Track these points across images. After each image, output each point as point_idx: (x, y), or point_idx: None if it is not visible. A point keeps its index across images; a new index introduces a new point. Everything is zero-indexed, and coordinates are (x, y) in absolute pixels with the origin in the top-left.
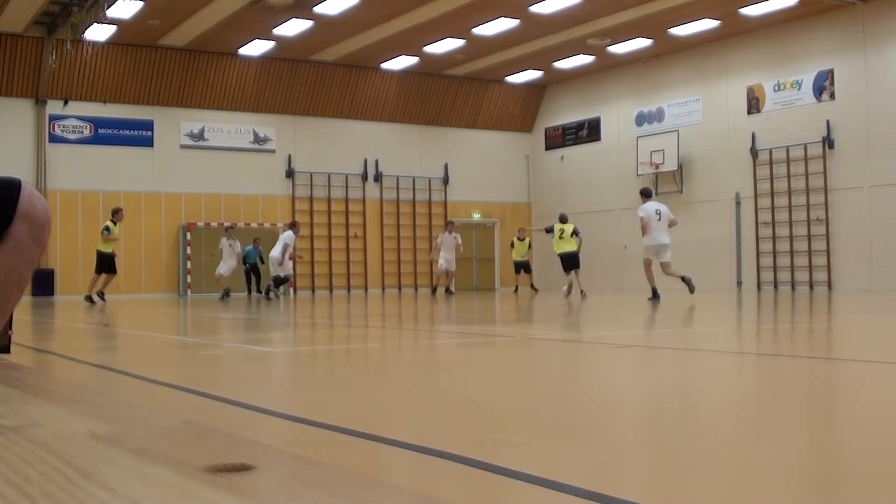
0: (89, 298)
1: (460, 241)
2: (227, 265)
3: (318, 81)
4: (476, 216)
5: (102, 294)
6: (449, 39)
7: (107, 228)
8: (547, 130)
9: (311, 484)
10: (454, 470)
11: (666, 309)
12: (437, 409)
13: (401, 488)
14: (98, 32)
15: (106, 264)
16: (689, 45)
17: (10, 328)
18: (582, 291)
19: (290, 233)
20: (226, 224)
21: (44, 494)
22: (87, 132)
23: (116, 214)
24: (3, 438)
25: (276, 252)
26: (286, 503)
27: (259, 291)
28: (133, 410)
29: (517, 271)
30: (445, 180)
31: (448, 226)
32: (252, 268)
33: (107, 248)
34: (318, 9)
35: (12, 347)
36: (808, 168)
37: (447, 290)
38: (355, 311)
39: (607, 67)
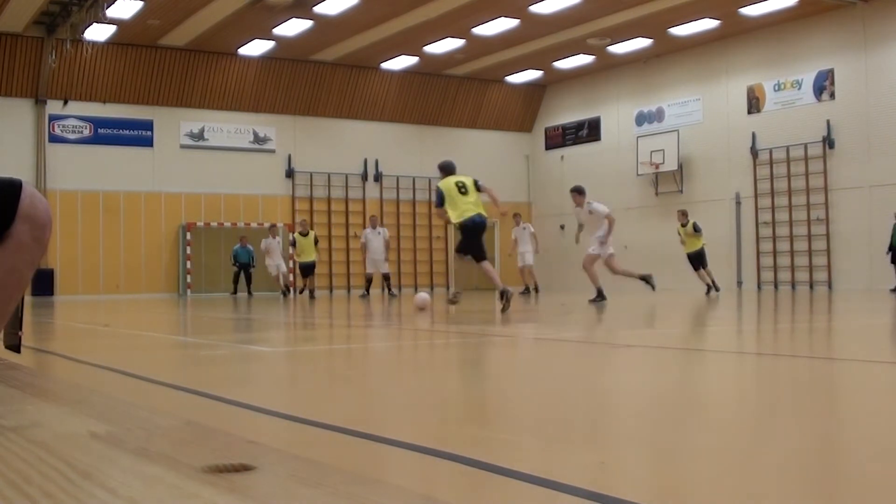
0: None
1: (532, 230)
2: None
3: (318, 81)
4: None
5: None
6: (449, 39)
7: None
8: (547, 130)
9: (311, 484)
10: (454, 470)
11: (664, 309)
12: (437, 409)
13: (401, 488)
14: (98, 32)
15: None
16: (689, 45)
17: (21, 329)
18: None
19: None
20: (267, 224)
21: (44, 495)
22: (86, 132)
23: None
24: (3, 438)
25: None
26: (286, 503)
27: (251, 293)
28: (133, 410)
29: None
30: None
31: (515, 217)
32: (243, 267)
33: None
34: (318, 9)
35: (21, 348)
36: (808, 168)
37: (525, 290)
38: (355, 312)
39: (607, 67)
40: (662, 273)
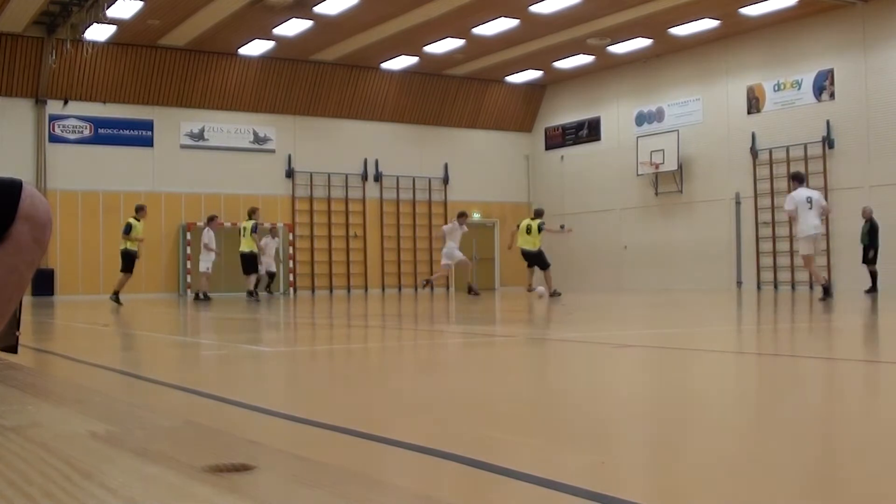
0: (116, 298)
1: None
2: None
3: (318, 81)
4: (476, 216)
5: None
6: (449, 39)
7: (129, 227)
8: (547, 130)
9: (311, 484)
10: (454, 470)
11: (665, 309)
12: (437, 409)
13: (401, 488)
14: (98, 32)
15: (129, 262)
16: (689, 45)
17: (18, 329)
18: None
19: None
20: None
21: (44, 494)
22: (87, 132)
23: (140, 212)
24: (3, 438)
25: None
26: (286, 503)
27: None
28: (133, 410)
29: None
30: (445, 180)
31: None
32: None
33: (133, 246)
34: (318, 9)
35: (18, 348)
36: (808, 168)
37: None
38: (355, 311)
39: (607, 67)
40: (663, 273)
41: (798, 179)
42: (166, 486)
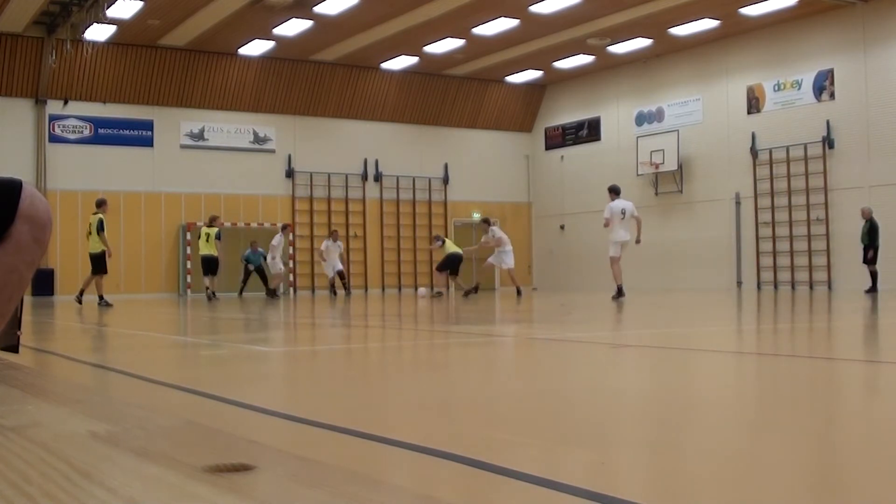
0: (103, 300)
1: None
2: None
3: (318, 81)
4: (476, 216)
5: (82, 295)
6: (449, 39)
7: (102, 224)
8: (547, 130)
9: (311, 484)
10: (454, 470)
11: (664, 309)
12: (437, 409)
13: (401, 488)
14: (98, 32)
15: (98, 264)
16: (689, 45)
17: (19, 329)
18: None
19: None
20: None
21: (44, 494)
22: (87, 132)
23: (102, 206)
24: (3, 438)
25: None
26: (286, 503)
27: (270, 293)
28: (133, 410)
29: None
30: (445, 180)
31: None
32: (257, 270)
33: (100, 248)
34: (318, 9)
35: (19, 348)
36: (808, 168)
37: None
38: (355, 312)
39: (607, 67)
40: (663, 273)
41: (615, 192)
42: (166, 486)
